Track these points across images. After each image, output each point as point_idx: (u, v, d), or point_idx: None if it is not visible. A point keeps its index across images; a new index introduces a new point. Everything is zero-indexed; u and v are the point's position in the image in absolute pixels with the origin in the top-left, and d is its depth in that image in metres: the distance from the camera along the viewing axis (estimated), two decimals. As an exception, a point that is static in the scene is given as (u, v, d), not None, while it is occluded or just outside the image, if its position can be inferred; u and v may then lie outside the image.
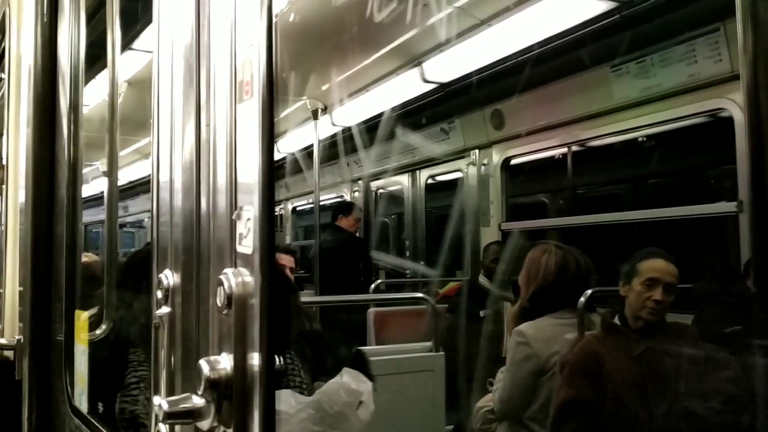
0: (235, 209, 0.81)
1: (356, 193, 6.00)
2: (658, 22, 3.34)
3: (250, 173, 0.77)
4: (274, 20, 0.73)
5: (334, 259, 4.51)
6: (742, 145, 2.98)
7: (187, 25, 0.98)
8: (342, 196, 6.10)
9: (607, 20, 3.30)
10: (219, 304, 0.78)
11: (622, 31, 3.46)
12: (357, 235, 4.88)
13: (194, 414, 0.81)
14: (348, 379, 1.63)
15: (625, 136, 3.90)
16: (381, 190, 6.14)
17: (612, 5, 3.21)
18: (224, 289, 0.77)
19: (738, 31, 1.37)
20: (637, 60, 3.60)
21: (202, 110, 0.91)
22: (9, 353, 1.84)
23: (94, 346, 1.61)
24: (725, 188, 3.39)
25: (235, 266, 0.80)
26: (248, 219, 0.77)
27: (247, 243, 0.77)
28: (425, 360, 2.82)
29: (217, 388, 0.77)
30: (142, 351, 1.63)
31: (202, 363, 0.78)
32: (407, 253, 5.46)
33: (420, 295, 3.35)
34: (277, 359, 0.78)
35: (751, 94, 1.46)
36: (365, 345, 3.54)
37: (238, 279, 0.77)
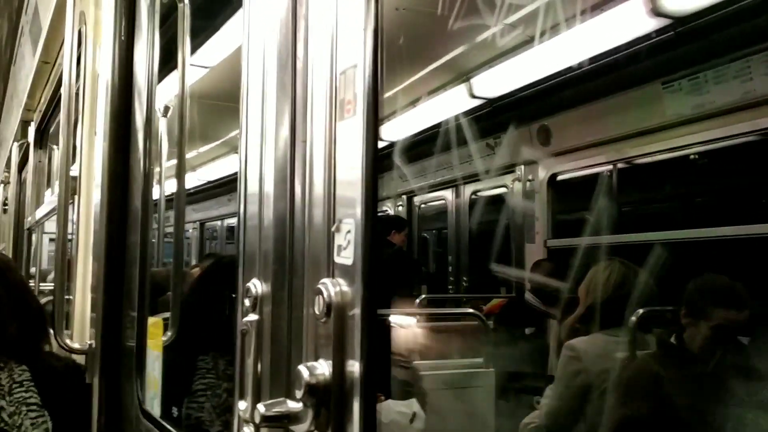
0: (333, 222, 0.84)
1: (400, 207, 6.04)
2: (711, 39, 3.31)
3: (351, 188, 0.80)
4: (380, 39, 0.76)
5: (387, 273, 4.54)
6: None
7: (282, 39, 1.02)
8: (386, 211, 6.14)
9: (659, 36, 3.28)
10: (317, 312, 0.82)
11: (675, 48, 3.43)
12: (405, 250, 4.90)
13: (290, 418, 0.84)
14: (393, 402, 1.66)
15: (675, 153, 3.86)
16: (423, 205, 6.16)
17: (666, 22, 3.19)
18: (323, 297, 0.81)
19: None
20: (690, 77, 3.56)
21: (297, 126, 0.95)
22: (80, 358, 1.91)
23: (165, 351, 1.66)
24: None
25: (333, 276, 0.83)
26: (348, 231, 0.80)
27: (347, 254, 0.80)
28: (476, 376, 2.82)
29: (315, 393, 0.80)
30: (210, 359, 1.68)
31: (302, 368, 0.81)
32: (450, 269, 5.46)
33: (470, 310, 3.35)
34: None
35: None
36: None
37: (336, 288, 0.80)
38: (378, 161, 0.76)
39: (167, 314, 1.84)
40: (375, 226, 0.76)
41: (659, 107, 3.72)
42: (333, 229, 0.83)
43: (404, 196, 5.97)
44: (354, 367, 0.77)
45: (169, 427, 1.48)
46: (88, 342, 1.85)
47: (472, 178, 5.30)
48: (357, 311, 0.77)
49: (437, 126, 4.70)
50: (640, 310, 2.59)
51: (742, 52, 3.30)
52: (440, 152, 5.05)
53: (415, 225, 6.10)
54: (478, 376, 2.80)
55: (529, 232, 4.64)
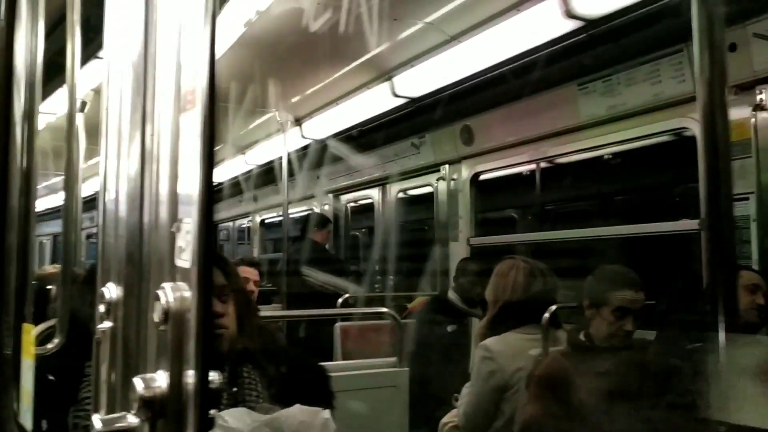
0: (176, 221, 0.78)
1: (326, 207, 5.98)
2: (623, 43, 3.40)
3: (191, 185, 0.75)
4: (216, 31, 0.72)
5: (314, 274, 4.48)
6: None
7: (137, 35, 0.96)
8: (311, 209, 6.08)
9: (574, 38, 3.35)
10: (156, 319, 0.76)
11: (589, 50, 3.50)
12: (329, 248, 4.86)
13: (128, 433, 0.78)
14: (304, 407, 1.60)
15: (591, 153, 3.95)
16: (351, 204, 6.13)
17: (579, 24, 3.26)
18: (161, 303, 0.75)
19: (695, 54, 1.39)
20: (604, 79, 3.65)
21: (147, 120, 0.89)
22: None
23: (44, 360, 1.56)
24: (690, 206, 3.44)
25: (174, 280, 0.77)
26: (188, 232, 0.75)
27: (186, 257, 0.75)
28: (389, 375, 2.80)
29: (151, 406, 0.75)
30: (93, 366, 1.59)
31: (137, 380, 0.76)
32: (376, 267, 5.45)
33: (384, 309, 3.33)
34: (217, 376, 0.76)
35: (706, 114, 1.48)
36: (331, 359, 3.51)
37: (176, 293, 0.75)
38: (213, 156, 0.71)
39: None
40: (210, 226, 0.72)
41: (575, 108, 3.80)
42: (173, 228, 0.77)
43: (331, 195, 5.93)
44: (190, 377, 0.72)
45: (40, 441, 1.39)
46: (-38, 351, 1.72)
47: (398, 177, 5.30)
48: (193, 318, 0.72)
49: (362, 125, 4.68)
50: (552, 307, 2.64)
51: (651, 55, 3.40)
52: (366, 151, 5.04)
53: (343, 224, 6.06)
54: (392, 375, 2.78)
55: (453, 231, 4.67)
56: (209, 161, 0.71)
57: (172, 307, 0.74)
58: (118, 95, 1.01)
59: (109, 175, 1.02)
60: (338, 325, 3.76)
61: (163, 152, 0.84)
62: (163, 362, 0.77)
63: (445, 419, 2.94)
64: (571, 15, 3.22)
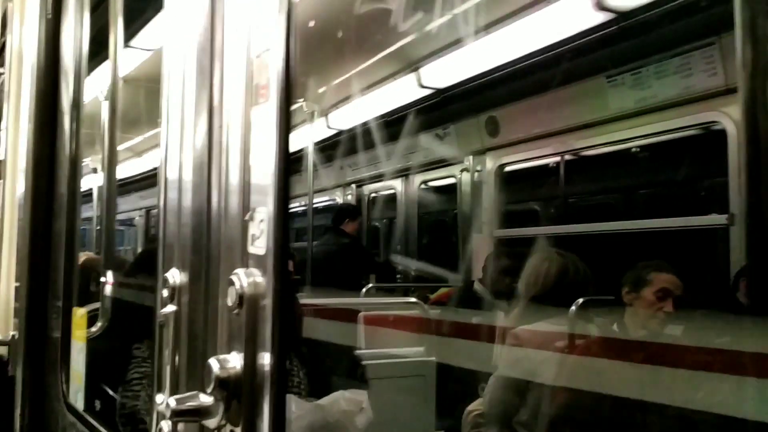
0: (248, 210, 0.81)
1: (349, 197, 6.00)
2: (654, 35, 3.37)
3: (265, 175, 0.78)
4: (293, 24, 0.74)
5: (339, 263, 4.51)
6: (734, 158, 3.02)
7: (200, 25, 0.99)
8: (334, 200, 6.10)
9: (604, 30, 3.33)
10: (230, 304, 0.79)
11: (619, 42, 3.49)
12: (360, 239, 4.88)
13: (201, 412, 0.81)
14: (347, 393, 1.64)
15: (618, 146, 3.94)
16: (374, 194, 6.15)
17: (610, 16, 3.24)
18: (235, 288, 0.78)
19: (737, 45, 1.39)
20: (633, 71, 3.63)
21: (214, 112, 0.92)
22: (2, 349, 1.83)
23: (91, 343, 1.61)
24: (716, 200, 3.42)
25: (247, 266, 0.80)
26: (261, 220, 0.78)
27: (260, 244, 0.77)
28: (416, 365, 2.83)
29: (226, 386, 0.78)
30: (146, 347, 1.63)
31: (212, 361, 0.79)
32: (398, 258, 5.47)
33: (413, 300, 3.36)
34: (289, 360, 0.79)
35: (748, 108, 1.48)
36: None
37: (249, 279, 0.78)
38: (289, 148, 0.73)
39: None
40: (287, 215, 0.74)
41: (603, 101, 3.78)
42: (246, 217, 0.80)
43: (353, 186, 5.95)
44: (265, 359, 0.75)
45: (92, 421, 1.44)
46: (11, 333, 1.78)
47: (422, 168, 5.31)
48: (268, 302, 0.75)
49: (387, 115, 4.69)
50: (581, 299, 2.64)
51: (682, 48, 3.37)
52: (390, 142, 5.04)
53: (366, 214, 6.08)
54: (419, 365, 2.81)
55: (477, 222, 4.68)
56: (286, 153, 0.74)
57: (247, 292, 0.77)
58: (179, 86, 1.04)
59: (170, 166, 1.05)
60: (362, 314, 3.78)
61: (233, 144, 0.86)
62: (235, 345, 0.80)
63: (470, 407, 2.96)
64: (602, 7, 3.21)
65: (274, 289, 0.74)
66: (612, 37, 3.36)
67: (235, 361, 0.79)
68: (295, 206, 7.22)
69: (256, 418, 0.76)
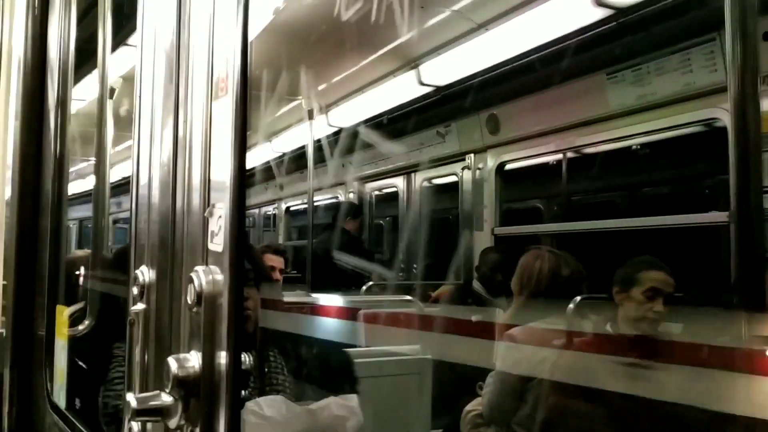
0: (208, 207, 0.80)
1: (351, 195, 6.00)
2: (654, 31, 3.34)
3: (223, 171, 0.77)
4: (249, 18, 0.73)
5: (339, 261, 4.50)
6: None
7: (169, 22, 0.97)
8: (336, 197, 6.10)
9: (604, 27, 3.30)
10: (189, 302, 0.78)
11: (619, 39, 3.46)
12: (361, 238, 4.87)
13: (162, 412, 0.80)
14: (338, 399, 1.63)
15: (619, 143, 3.90)
16: (376, 192, 6.13)
17: (609, 12, 3.21)
18: (194, 286, 0.77)
19: (726, 43, 1.37)
20: (633, 68, 3.60)
21: (180, 107, 0.91)
22: (-8, 347, 1.83)
23: (76, 341, 1.60)
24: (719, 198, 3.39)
25: (207, 264, 0.79)
26: (220, 217, 0.76)
27: (218, 241, 0.76)
28: (413, 363, 2.81)
29: (185, 386, 0.77)
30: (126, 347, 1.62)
31: (171, 360, 0.78)
32: (400, 255, 5.45)
33: (408, 297, 3.34)
34: (247, 358, 0.77)
35: (738, 104, 1.45)
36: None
37: (208, 277, 0.77)
38: (246, 142, 0.72)
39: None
40: (243, 211, 0.73)
41: (603, 98, 3.75)
42: (206, 213, 0.79)
43: (356, 183, 5.93)
44: (222, 358, 0.74)
45: (74, 420, 1.43)
46: (-1, 330, 1.77)
47: (423, 165, 5.29)
48: (225, 300, 0.74)
49: (387, 113, 4.68)
50: (577, 298, 2.62)
51: (682, 44, 3.34)
52: (391, 139, 5.03)
53: (368, 212, 6.07)
54: (415, 363, 2.79)
55: (478, 220, 4.66)
56: (242, 147, 0.73)
57: (205, 289, 0.76)
58: (150, 82, 1.03)
59: (142, 161, 1.04)
60: (362, 312, 3.77)
61: (196, 138, 0.85)
62: (195, 343, 0.79)
63: (468, 407, 2.95)
64: (600, 3, 3.18)
65: (230, 286, 0.73)
66: (612, 34, 3.33)
67: (194, 360, 0.78)
68: (297, 204, 7.23)
69: (213, 418, 0.74)
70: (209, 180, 0.80)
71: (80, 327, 1.79)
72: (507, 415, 2.70)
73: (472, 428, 2.94)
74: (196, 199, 0.84)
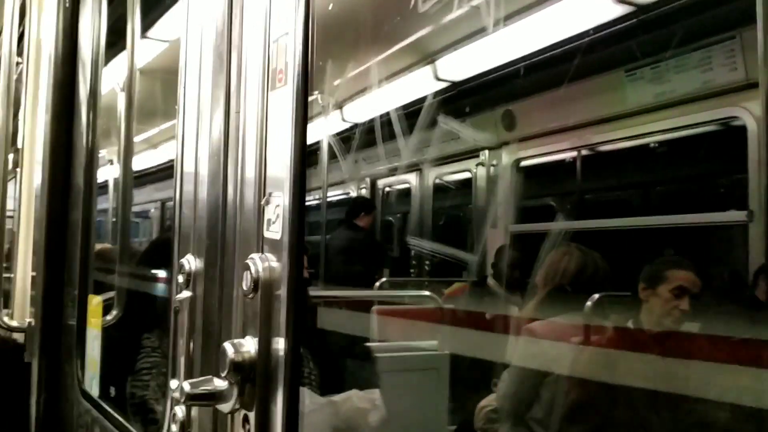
0: (264, 196, 0.81)
1: (363, 191, 6.00)
2: (673, 29, 3.33)
3: (281, 160, 0.77)
4: (312, 7, 0.73)
5: (353, 257, 4.51)
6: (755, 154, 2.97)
7: (218, 11, 0.98)
8: (348, 193, 6.10)
9: (623, 24, 3.29)
10: (245, 288, 0.79)
11: (638, 36, 3.45)
12: (374, 234, 4.87)
13: (215, 396, 0.81)
14: (360, 392, 1.65)
15: (636, 141, 3.89)
16: (388, 188, 6.13)
17: (629, 9, 3.21)
18: (251, 273, 0.78)
19: (759, 40, 1.37)
20: (652, 65, 3.59)
21: (231, 98, 0.92)
22: (19, 336, 1.85)
23: (106, 331, 1.62)
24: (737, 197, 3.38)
25: (262, 252, 0.80)
26: (277, 205, 0.77)
27: (276, 228, 0.77)
28: (430, 358, 2.82)
29: (240, 370, 0.77)
30: (156, 337, 1.64)
31: (227, 345, 0.78)
32: (413, 252, 5.46)
33: (427, 293, 3.34)
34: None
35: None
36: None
37: (265, 264, 0.78)
38: (307, 134, 0.73)
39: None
40: (303, 199, 0.74)
41: (621, 95, 3.74)
42: (262, 202, 0.80)
43: (368, 179, 5.94)
44: (279, 344, 0.75)
45: (107, 408, 1.44)
46: (28, 320, 1.79)
47: (437, 162, 5.29)
48: (284, 287, 0.75)
49: (402, 108, 4.67)
50: (596, 295, 2.62)
51: (702, 42, 3.33)
52: (405, 135, 5.02)
53: (380, 208, 6.07)
54: (432, 358, 2.80)
55: (492, 217, 4.65)
56: (303, 138, 0.73)
57: (262, 276, 0.77)
58: (196, 73, 1.04)
59: (187, 152, 1.05)
60: (375, 307, 3.77)
61: (249, 129, 0.86)
62: (250, 329, 0.80)
63: (483, 403, 2.95)
64: (621, 0, 3.18)
65: (289, 274, 0.74)
66: (631, 31, 3.32)
67: (249, 345, 0.78)
68: (310, 199, 7.24)
69: (270, 403, 0.75)
70: (266, 169, 0.81)
71: (107, 317, 1.80)
72: (521, 409, 2.71)
73: (485, 423, 2.95)
74: (250, 189, 0.85)
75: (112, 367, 1.66)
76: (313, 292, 3.96)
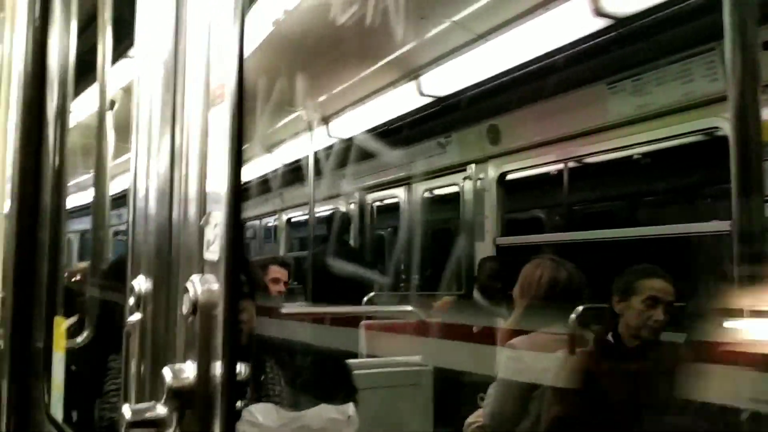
0: (204, 215, 0.79)
1: (352, 206, 5.99)
2: (654, 41, 3.35)
3: (220, 179, 0.76)
4: (245, 25, 0.73)
5: (339, 272, 4.49)
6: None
7: (167, 31, 0.97)
8: (337, 208, 6.09)
9: (603, 37, 3.31)
10: (185, 311, 0.77)
11: (619, 49, 3.46)
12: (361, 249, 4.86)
13: (157, 423, 0.79)
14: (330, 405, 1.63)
15: (620, 153, 3.90)
16: (377, 203, 6.13)
17: (609, 22, 3.22)
18: (189, 296, 0.76)
19: (726, 52, 1.37)
20: (633, 78, 3.60)
21: (177, 116, 0.91)
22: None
23: (73, 353, 1.59)
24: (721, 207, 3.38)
25: (203, 272, 0.78)
26: (216, 224, 0.76)
27: (214, 249, 0.76)
28: (413, 374, 2.80)
29: (180, 396, 0.76)
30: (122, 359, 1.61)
31: (166, 371, 0.77)
32: (401, 266, 5.44)
33: (410, 308, 3.33)
34: (242, 368, 0.77)
35: (738, 114, 1.45)
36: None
37: (204, 286, 0.76)
38: (242, 150, 0.72)
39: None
40: (239, 219, 0.72)
41: (604, 108, 3.76)
42: (201, 222, 0.78)
43: (356, 194, 5.94)
44: (217, 369, 0.73)
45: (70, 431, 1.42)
46: (-4, 343, 1.77)
47: (424, 176, 5.30)
48: (221, 309, 0.73)
49: (388, 124, 4.69)
50: (579, 308, 2.61)
51: (683, 53, 3.34)
52: (392, 150, 5.03)
53: (368, 223, 6.07)
54: (415, 374, 2.78)
55: (479, 230, 4.65)
56: (238, 154, 0.72)
57: (201, 299, 0.75)
58: (149, 92, 1.03)
59: (140, 171, 1.03)
60: (363, 323, 3.76)
61: (193, 147, 0.85)
62: (191, 353, 0.78)
63: (470, 419, 2.92)
64: (600, 13, 3.19)
65: (226, 296, 0.73)
66: (612, 44, 3.33)
67: (189, 370, 0.77)
68: (298, 215, 7.23)
69: (209, 430, 0.73)
70: (206, 189, 0.79)
71: (78, 339, 1.77)
72: (509, 425, 2.68)
73: (474, 440, 2.92)
74: (193, 209, 0.83)
75: (79, 390, 1.64)
76: (297, 309, 3.95)
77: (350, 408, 1.61)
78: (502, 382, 2.67)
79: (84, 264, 2.55)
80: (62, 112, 1.71)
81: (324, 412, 1.60)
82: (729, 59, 1.45)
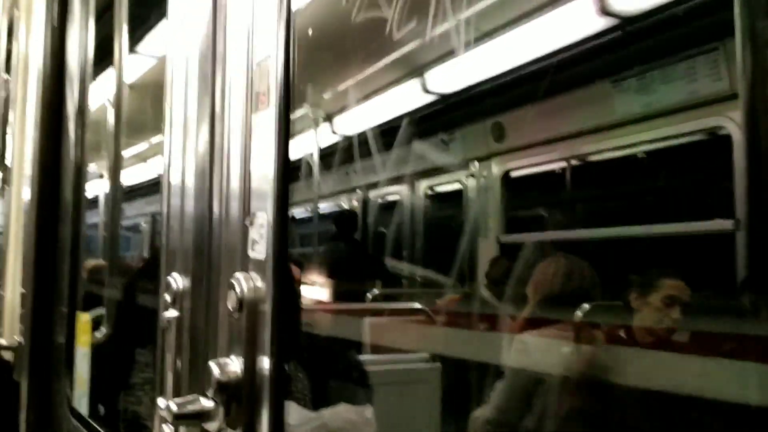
0: (248, 215, 0.82)
1: (354, 203, 6.01)
2: (659, 40, 3.37)
3: (265, 180, 0.78)
4: (292, 31, 0.75)
5: (344, 270, 4.50)
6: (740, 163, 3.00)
7: (202, 32, 0.99)
8: (340, 205, 6.11)
9: (609, 35, 3.33)
10: (230, 307, 0.80)
11: (624, 47, 3.48)
12: (365, 246, 4.84)
13: (202, 415, 0.81)
14: (350, 406, 1.64)
15: (625, 151, 3.92)
16: (379, 200, 6.15)
17: (614, 21, 3.24)
18: (235, 292, 0.79)
19: (737, 51, 1.39)
20: (638, 76, 3.62)
21: (216, 119, 0.93)
22: (8, 354, 1.84)
23: (95, 348, 1.62)
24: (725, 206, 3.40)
25: (247, 271, 0.81)
26: (261, 225, 0.78)
27: (260, 249, 0.78)
28: (421, 371, 2.81)
29: (226, 390, 0.78)
30: (150, 353, 1.63)
31: (212, 364, 0.79)
32: (404, 264, 5.46)
33: (417, 306, 3.34)
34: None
35: (749, 112, 1.47)
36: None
37: (249, 284, 0.78)
38: (289, 154, 0.74)
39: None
40: (286, 220, 0.75)
41: (609, 106, 3.77)
42: (246, 222, 0.81)
43: (359, 192, 5.95)
44: (264, 363, 0.76)
45: (97, 426, 1.44)
46: (17, 339, 1.79)
47: (427, 173, 5.31)
48: (268, 307, 0.76)
49: (391, 121, 4.69)
50: (586, 305, 2.63)
51: (687, 52, 3.36)
52: (395, 147, 5.04)
53: (371, 220, 6.08)
54: (423, 371, 2.79)
55: (483, 228, 4.67)
56: (285, 158, 0.74)
57: (246, 296, 0.78)
58: (182, 93, 1.05)
59: (174, 171, 1.06)
60: (367, 320, 3.77)
61: (234, 149, 0.87)
62: (235, 349, 0.81)
63: (477, 413, 2.95)
64: (606, 12, 3.21)
65: (273, 293, 0.75)
66: (617, 42, 3.35)
67: (235, 364, 0.79)
68: (302, 212, 7.25)
69: (256, 422, 0.76)
70: (249, 189, 0.82)
71: (97, 335, 1.80)
72: (515, 419, 2.71)
73: (480, 435, 2.95)
74: (235, 208, 0.85)
75: (102, 384, 1.66)
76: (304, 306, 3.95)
77: (369, 410, 1.63)
78: (510, 376, 2.69)
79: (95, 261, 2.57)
80: (82, 109, 1.73)
81: (342, 413, 1.62)
82: (739, 57, 1.47)
